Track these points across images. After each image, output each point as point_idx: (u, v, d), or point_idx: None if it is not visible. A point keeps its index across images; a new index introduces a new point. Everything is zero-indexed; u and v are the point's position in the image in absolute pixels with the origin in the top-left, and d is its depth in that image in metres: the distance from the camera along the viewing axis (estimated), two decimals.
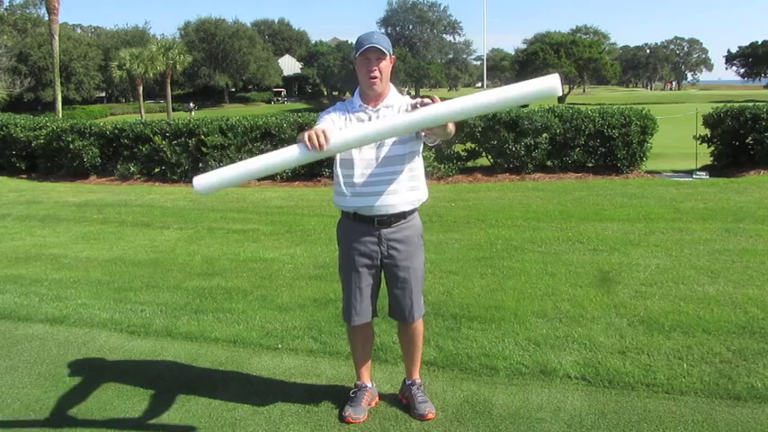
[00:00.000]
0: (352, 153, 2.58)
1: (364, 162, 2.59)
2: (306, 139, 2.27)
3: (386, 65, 2.58)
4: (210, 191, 2.42)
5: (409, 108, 2.41)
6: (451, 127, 2.51)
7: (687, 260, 5.08)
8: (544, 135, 9.94)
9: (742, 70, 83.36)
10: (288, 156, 2.37)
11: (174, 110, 42.43)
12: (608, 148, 10.00)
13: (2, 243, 6.68)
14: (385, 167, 2.59)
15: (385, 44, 2.55)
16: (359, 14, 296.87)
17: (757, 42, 77.22)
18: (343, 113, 2.64)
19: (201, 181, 2.39)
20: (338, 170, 2.64)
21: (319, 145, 2.26)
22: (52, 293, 4.77)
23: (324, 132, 2.28)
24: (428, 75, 65.45)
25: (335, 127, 2.54)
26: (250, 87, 69.34)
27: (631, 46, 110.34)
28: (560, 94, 2.24)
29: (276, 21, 79.20)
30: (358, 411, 2.82)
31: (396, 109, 2.63)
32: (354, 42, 2.62)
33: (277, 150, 2.41)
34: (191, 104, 55.02)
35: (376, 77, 2.56)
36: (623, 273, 4.81)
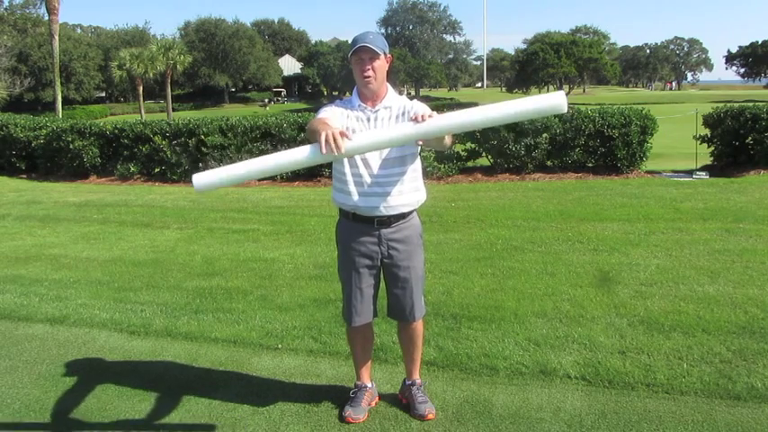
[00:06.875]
0: None
1: (369, 162, 2.59)
2: (322, 140, 2.19)
3: (380, 64, 2.57)
4: (210, 189, 2.40)
5: (411, 116, 2.40)
6: (448, 140, 2.55)
7: (687, 260, 5.08)
8: (544, 135, 9.95)
9: (742, 70, 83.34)
10: (297, 157, 2.32)
11: (174, 110, 42.41)
12: (608, 148, 10.00)
13: (2, 243, 6.68)
14: (391, 168, 2.59)
15: (379, 43, 2.54)
16: (359, 14, 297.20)
17: (757, 42, 77.17)
18: (343, 110, 2.64)
19: (201, 180, 2.34)
20: (345, 169, 2.62)
21: (337, 147, 2.18)
22: (52, 293, 4.77)
23: (342, 134, 2.21)
24: (428, 75, 65.36)
25: (342, 117, 2.56)
26: (250, 87, 69.33)
27: (631, 46, 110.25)
28: (565, 111, 2.22)
29: (276, 21, 79.17)
30: (358, 411, 2.82)
31: (395, 110, 2.63)
32: (350, 42, 2.63)
33: (286, 151, 2.36)
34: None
35: (370, 77, 2.56)
36: (623, 273, 4.81)
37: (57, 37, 26.04)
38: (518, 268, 5.02)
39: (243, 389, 3.15)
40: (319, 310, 4.17)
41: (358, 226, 2.69)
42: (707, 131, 10.43)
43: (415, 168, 2.67)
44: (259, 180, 10.76)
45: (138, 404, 3.03)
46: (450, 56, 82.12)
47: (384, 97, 2.64)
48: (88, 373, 3.41)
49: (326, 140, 2.18)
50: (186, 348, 3.68)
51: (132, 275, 5.23)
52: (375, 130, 2.52)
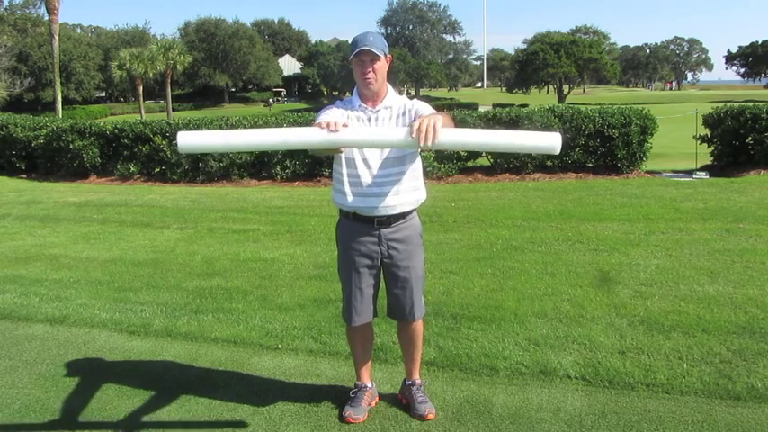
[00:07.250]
0: (355, 152, 2.58)
1: (369, 162, 2.59)
2: (323, 125, 2.24)
3: (380, 65, 2.57)
4: (196, 151, 2.38)
5: (413, 121, 2.40)
6: None
7: (687, 260, 5.08)
8: None
9: (742, 70, 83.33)
10: (293, 134, 2.31)
11: (174, 110, 42.41)
12: (608, 148, 10.00)
13: (2, 243, 6.68)
14: (390, 168, 2.59)
15: (379, 45, 2.55)
16: (359, 14, 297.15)
17: (757, 42, 77.18)
18: (344, 111, 2.64)
19: (187, 139, 2.25)
20: (342, 169, 2.63)
21: (335, 124, 2.22)
22: (52, 293, 4.77)
23: (344, 125, 2.27)
24: (428, 75, 65.38)
25: (343, 117, 2.55)
26: (250, 87, 69.35)
27: (631, 46, 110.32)
28: (557, 153, 2.26)
29: (276, 21, 79.24)
30: (358, 411, 2.82)
31: (395, 110, 2.63)
32: (350, 43, 2.63)
33: (280, 128, 2.36)
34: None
35: (371, 79, 2.56)
36: (623, 273, 4.81)
37: (57, 37, 26.06)
38: (518, 268, 5.02)
39: (243, 389, 3.15)
40: (319, 310, 4.17)
41: (358, 226, 2.69)
42: (707, 131, 10.43)
43: (415, 168, 2.68)
44: (259, 180, 10.76)
45: (138, 404, 3.03)
46: (451, 56, 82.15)
47: (384, 97, 2.65)
48: (88, 373, 3.41)
49: (327, 125, 2.23)
50: (186, 348, 3.68)
51: (132, 275, 5.23)
52: (377, 128, 2.54)
